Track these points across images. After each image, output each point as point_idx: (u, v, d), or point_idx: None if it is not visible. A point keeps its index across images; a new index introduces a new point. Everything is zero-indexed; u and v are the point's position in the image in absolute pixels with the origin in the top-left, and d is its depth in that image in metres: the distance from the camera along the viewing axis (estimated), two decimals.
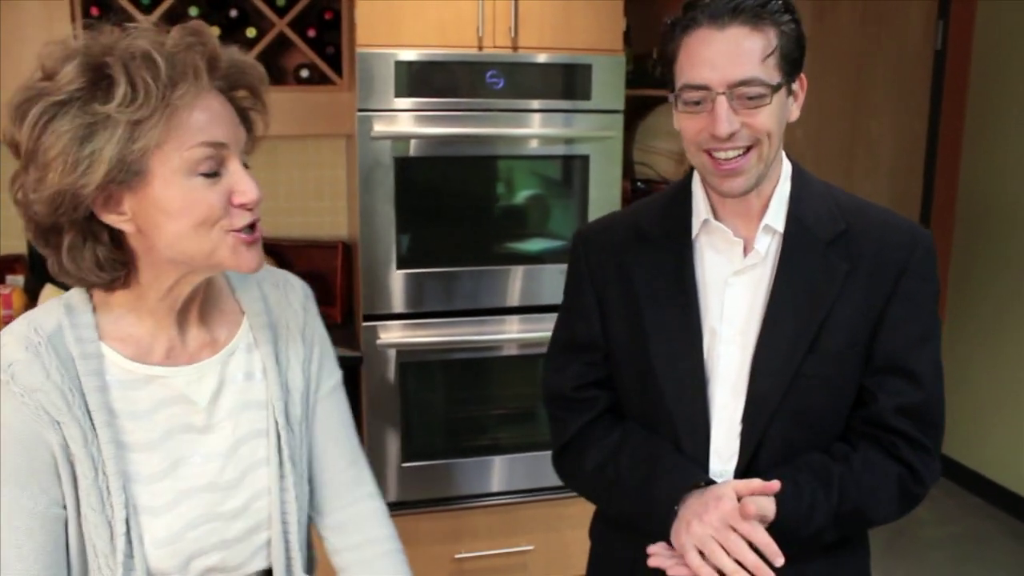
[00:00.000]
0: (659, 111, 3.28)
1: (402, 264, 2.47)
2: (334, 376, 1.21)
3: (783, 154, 1.25)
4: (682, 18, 1.13)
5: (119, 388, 1.01)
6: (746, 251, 1.23)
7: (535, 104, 2.50)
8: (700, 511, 1.13)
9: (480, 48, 2.44)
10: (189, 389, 1.06)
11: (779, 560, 1.08)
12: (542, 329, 2.56)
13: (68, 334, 0.99)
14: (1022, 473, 3.50)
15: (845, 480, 1.18)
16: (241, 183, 0.96)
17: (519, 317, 2.59)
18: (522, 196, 2.63)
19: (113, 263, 0.98)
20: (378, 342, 2.46)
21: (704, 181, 1.23)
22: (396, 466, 2.55)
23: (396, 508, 2.48)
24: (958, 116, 3.75)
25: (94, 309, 1.02)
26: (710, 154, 1.14)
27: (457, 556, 2.63)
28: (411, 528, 2.50)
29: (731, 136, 1.11)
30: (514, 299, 2.59)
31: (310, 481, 1.18)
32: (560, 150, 2.57)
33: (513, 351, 2.62)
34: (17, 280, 2.69)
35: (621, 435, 1.28)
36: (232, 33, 2.59)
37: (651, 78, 3.17)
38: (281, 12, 2.61)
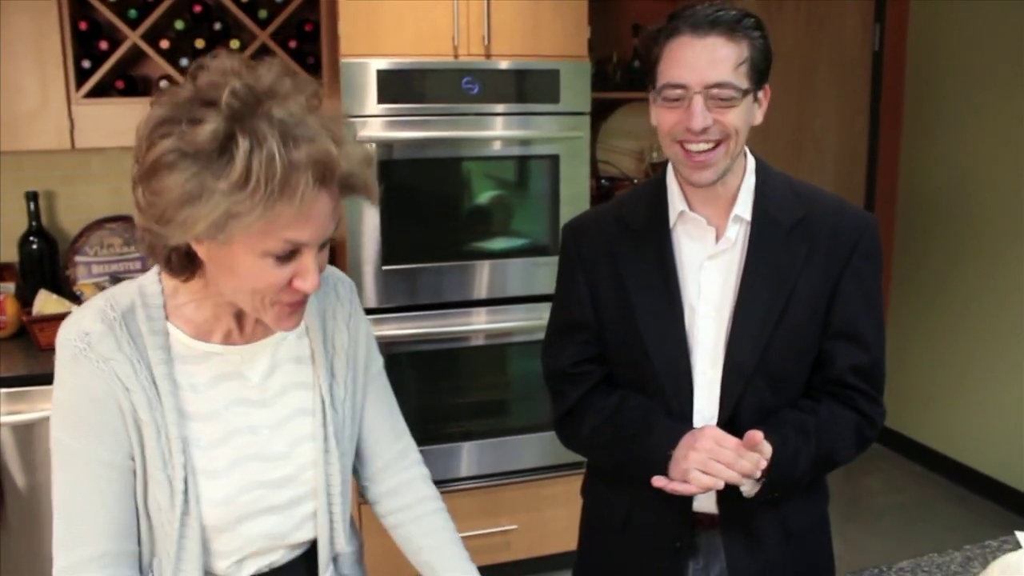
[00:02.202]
0: (619, 113, 3.45)
1: (386, 261, 2.61)
2: (378, 361, 1.33)
3: (747, 150, 1.42)
4: (666, 26, 1.29)
5: (181, 362, 1.13)
6: (717, 237, 1.39)
7: (508, 108, 2.65)
8: (691, 443, 1.29)
9: (456, 56, 2.59)
10: (244, 367, 1.17)
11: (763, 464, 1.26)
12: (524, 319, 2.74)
13: (140, 312, 1.11)
14: (962, 442, 3.75)
15: (818, 430, 1.35)
16: (306, 274, 1.03)
17: (512, 307, 2.76)
18: (500, 194, 2.78)
19: (181, 268, 1.08)
20: None
21: (675, 171, 1.39)
22: None
23: None
24: (896, 112, 3.99)
25: (163, 291, 1.14)
26: (683, 145, 1.30)
27: None
28: None
29: (704, 131, 1.27)
30: (503, 291, 2.75)
31: (362, 455, 1.31)
32: (532, 151, 2.72)
33: (510, 339, 2.78)
34: (8, 287, 2.74)
35: (618, 399, 1.44)
36: (216, 45, 2.69)
37: (612, 82, 3.35)
38: (263, 24, 2.72)
